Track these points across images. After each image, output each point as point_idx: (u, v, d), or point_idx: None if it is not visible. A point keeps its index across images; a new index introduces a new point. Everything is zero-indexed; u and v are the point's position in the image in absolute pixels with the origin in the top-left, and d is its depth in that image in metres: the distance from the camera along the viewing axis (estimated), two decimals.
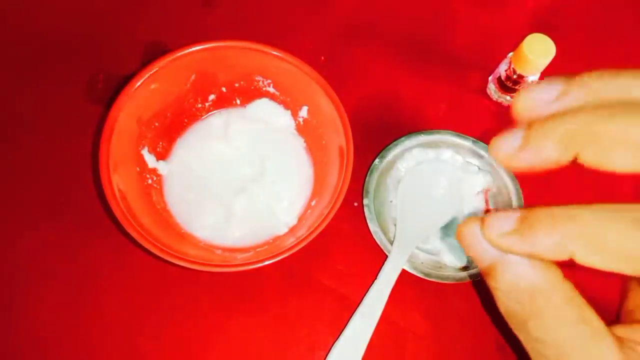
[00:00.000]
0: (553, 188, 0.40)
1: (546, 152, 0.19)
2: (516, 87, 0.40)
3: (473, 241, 0.24)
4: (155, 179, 0.37)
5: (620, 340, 0.23)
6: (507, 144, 0.20)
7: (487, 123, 0.42)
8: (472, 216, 0.25)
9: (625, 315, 0.33)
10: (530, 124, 0.20)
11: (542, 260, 0.23)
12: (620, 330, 0.26)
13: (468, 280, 0.36)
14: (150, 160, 0.36)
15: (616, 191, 0.40)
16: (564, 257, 0.20)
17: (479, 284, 0.37)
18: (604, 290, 0.37)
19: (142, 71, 0.34)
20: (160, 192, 0.37)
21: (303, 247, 0.31)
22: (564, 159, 0.19)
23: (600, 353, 0.23)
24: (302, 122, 0.39)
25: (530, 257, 0.22)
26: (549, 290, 0.23)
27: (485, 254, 0.24)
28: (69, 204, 0.38)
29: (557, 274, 0.23)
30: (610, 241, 0.19)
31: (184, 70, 0.36)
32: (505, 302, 0.24)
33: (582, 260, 0.19)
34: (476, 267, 0.37)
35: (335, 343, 0.35)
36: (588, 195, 0.40)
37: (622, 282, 0.36)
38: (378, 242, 0.37)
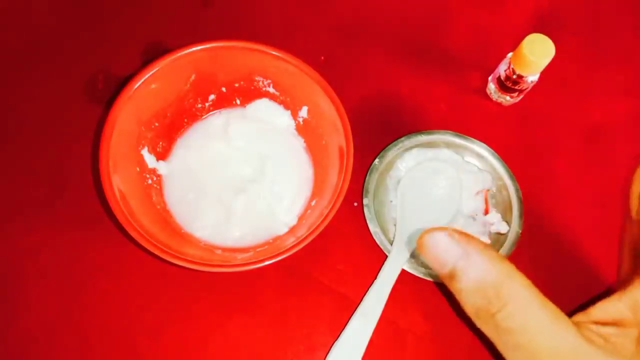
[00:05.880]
0: (552, 188, 0.40)
1: None
2: (516, 87, 0.40)
3: (435, 248, 0.27)
4: (155, 179, 0.37)
5: (577, 324, 0.26)
6: None
7: (487, 123, 0.42)
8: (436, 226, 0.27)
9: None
10: None
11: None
12: (576, 317, 0.28)
13: None
14: (150, 160, 0.36)
15: (616, 191, 0.40)
16: None
17: None
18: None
19: (142, 71, 0.34)
20: (160, 192, 0.37)
21: (303, 247, 0.31)
22: None
23: (563, 333, 0.25)
24: (302, 122, 0.39)
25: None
26: (510, 280, 0.25)
27: (447, 257, 0.26)
28: (69, 204, 0.38)
29: (512, 266, 0.26)
30: None
31: (184, 70, 0.36)
32: (471, 300, 0.26)
33: None
34: None
35: (335, 343, 0.35)
36: (588, 195, 0.40)
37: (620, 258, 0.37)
38: (378, 242, 0.37)
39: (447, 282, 0.27)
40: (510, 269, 0.25)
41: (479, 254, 0.25)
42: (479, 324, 0.26)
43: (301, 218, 0.37)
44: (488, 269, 0.25)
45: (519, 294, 0.25)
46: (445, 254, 0.26)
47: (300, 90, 0.37)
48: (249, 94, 0.39)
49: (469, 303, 0.26)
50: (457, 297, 0.26)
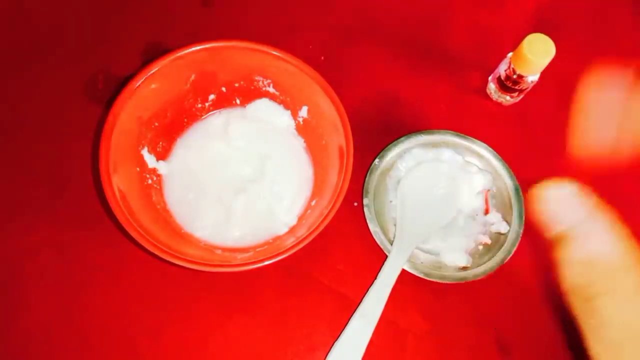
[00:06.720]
0: None
1: None
2: (516, 87, 0.40)
3: (556, 203, 0.23)
4: (155, 179, 0.37)
5: None
6: None
7: (487, 123, 0.42)
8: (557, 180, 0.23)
9: None
10: None
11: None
12: None
13: (468, 280, 0.36)
14: (150, 160, 0.36)
15: (616, 192, 0.40)
16: None
17: (479, 284, 0.37)
18: None
19: (142, 71, 0.34)
20: (160, 192, 0.37)
21: (303, 247, 0.31)
22: None
23: None
24: (302, 122, 0.39)
25: None
26: (626, 271, 0.22)
27: (565, 217, 0.23)
28: (69, 204, 0.38)
29: (635, 255, 0.23)
30: None
31: (184, 70, 0.36)
32: (572, 273, 0.23)
33: None
34: (477, 266, 0.36)
35: (335, 343, 0.35)
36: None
37: None
38: (378, 242, 0.37)
39: (550, 245, 0.23)
40: (630, 260, 0.22)
41: (604, 227, 0.22)
42: (571, 299, 0.23)
43: (301, 218, 0.37)
44: (609, 249, 0.22)
45: (631, 289, 0.22)
46: (564, 213, 0.23)
47: (300, 90, 0.37)
48: (249, 94, 0.39)
49: (569, 275, 0.23)
50: (557, 263, 0.23)
